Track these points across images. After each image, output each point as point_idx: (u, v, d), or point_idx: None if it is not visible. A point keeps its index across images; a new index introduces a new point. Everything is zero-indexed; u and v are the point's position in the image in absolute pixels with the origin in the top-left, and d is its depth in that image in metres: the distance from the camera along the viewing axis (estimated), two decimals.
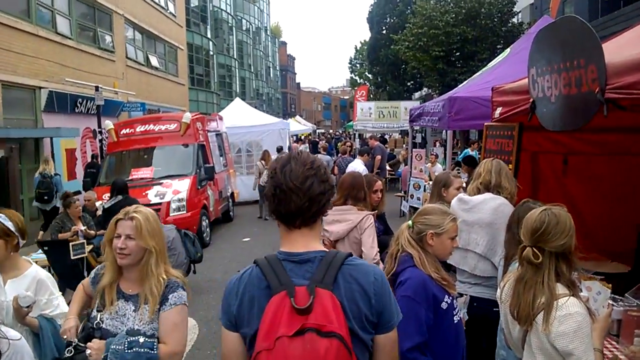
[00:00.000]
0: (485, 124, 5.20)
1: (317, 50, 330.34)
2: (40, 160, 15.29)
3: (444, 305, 2.56)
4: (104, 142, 13.32)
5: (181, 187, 10.60)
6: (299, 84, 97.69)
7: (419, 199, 9.32)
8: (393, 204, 13.68)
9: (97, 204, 8.64)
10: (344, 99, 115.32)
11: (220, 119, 15.07)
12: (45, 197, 11.16)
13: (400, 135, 30.84)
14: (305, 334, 1.57)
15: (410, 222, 2.81)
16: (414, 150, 9.63)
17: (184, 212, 10.37)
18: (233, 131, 16.26)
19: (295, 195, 1.74)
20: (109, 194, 7.51)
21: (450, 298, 2.62)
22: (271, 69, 67.79)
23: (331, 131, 66.34)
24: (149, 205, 10.09)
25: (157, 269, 2.67)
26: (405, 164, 19.38)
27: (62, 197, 8.08)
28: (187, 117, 11.54)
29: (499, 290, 2.64)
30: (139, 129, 11.67)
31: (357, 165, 9.57)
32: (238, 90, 43.56)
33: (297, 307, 1.60)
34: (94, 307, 2.65)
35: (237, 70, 45.10)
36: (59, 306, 3.13)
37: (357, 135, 33.09)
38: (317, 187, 1.75)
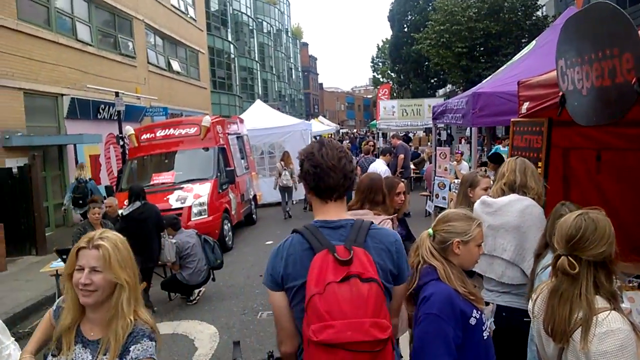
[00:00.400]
0: (512, 119, 4.94)
1: (339, 50, 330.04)
2: (64, 167, 15.47)
3: (472, 321, 2.33)
4: (125, 147, 13.31)
5: (202, 191, 10.51)
6: (321, 84, 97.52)
7: (444, 198, 9.06)
8: (418, 204, 13.41)
9: (120, 211, 8.56)
10: (367, 98, 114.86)
11: (241, 121, 14.97)
12: (80, 202, 11.37)
13: (424, 133, 30.41)
14: (350, 279, 1.92)
15: (430, 230, 2.59)
16: (438, 148, 9.36)
17: (206, 216, 10.27)
18: (254, 133, 16.17)
19: (333, 172, 2.11)
20: (127, 201, 7.43)
21: (479, 313, 2.39)
22: (293, 70, 67.78)
23: (355, 131, 66.07)
24: (170, 210, 10.10)
25: (128, 307, 2.13)
26: (430, 162, 19.15)
27: (88, 202, 8.03)
28: (207, 120, 11.46)
29: (530, 303, 2.41)
30: (160, 133, 11.64)
31: (379, 166, 9.36)
32: (260, 93, 43.61)
33: (340, 259, 1.96)
34: (50, 351, 2.20)
35: (258, 72, 45.15)
36: (10, 356, 2.86)
37: (380, 135, 32.88)
38: (349, 166, 2.16)
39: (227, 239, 10.91)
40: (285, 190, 14.53)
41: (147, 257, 7.18)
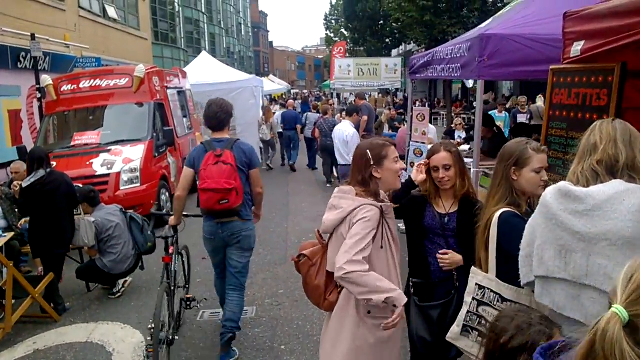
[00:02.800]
0: (552, 67, 3.57)
1: (290, 7, 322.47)
2: None
3: None
4: (43, 101, 11.35)
5: (134, 155, 8.81)
6: (271, 42, 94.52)
7: None
8: None
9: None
10: (319, 58, 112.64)
11: (184, 74, 13.14)
12: None
13: (380, 94, 29.07)
14: (218, 163, 4.19)
15: (624, 314, 1.14)
16: (415, 108, 7.99)
17: (138, 184, 8.62)
18: (199, 89, 14.33)
19: (212, 117, 4.44)
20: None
21: None
22: (242, 25, 64.79)
23: (305, 91, 64.13)
24: (94, 177, 8.37)
25: None
26: (390, 127, 17.80)
27: None
28: (141, 70, 9.65)
29: None
30: (84, 84, 9.75)
31: (346, 128, 7.99)
32: (208, 48, 41.00)
33: (215, 154, 4.22)
34: None
35: (206, 25, 42.42)
36: None
37: (334, 95, 31.33)
38: (219, 112, 4.41)
39: (164, 211, 9.30)
40: (266, 144, 15.35)
41: (56, 240, 5.56)
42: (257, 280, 6.31)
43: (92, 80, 9.77)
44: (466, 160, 6.30)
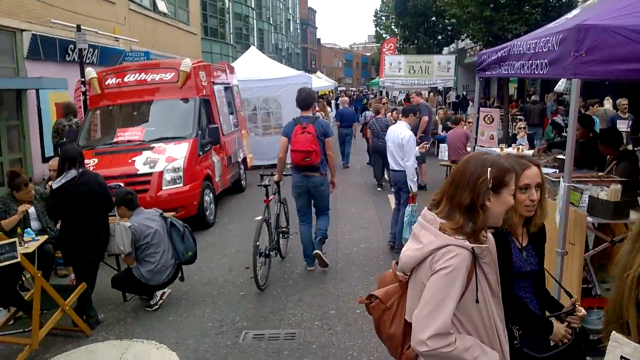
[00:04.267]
0: None
1: (339, 3, 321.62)
2: (23, 116, 13.21)
3: None
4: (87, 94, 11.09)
5: (177, 153, 8.36)
6: (319, 39, 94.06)
7: None
8: (436, 175, 11.41)
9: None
10: (366, 55, 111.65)
11: (232, 70, 12.66)
12: None
13: (431, 93, 28.03)
14: (304, 133, 6.03)
15: None
16: (482, 109, 7.23)
17: (181, 185, 8.16)
18: (247, 85, 13.89)
19: (302, 100, 6.39)
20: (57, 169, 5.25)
21: None
22: (291, 22, 64.51)
23: (353, 89, 63.35)
24: (136, 175, 7.95)
25: None
26: (444, 127, 16.93)
27: (9, 176, 5.91)
28: (187, 64, 9.20)
29: None
30: (129, 78, 9.37)
31: (401, 129, 7.13)
32: (256, 44, 40.77)
33: (302, 127, 6.08)
34: None
35: (255, 21, 42.22)
36: None
37: (383, 93, 30.48)
38: (307, 97, 6.42)
39: (208, 212, 8.83)
40: None
41: (89, 247, 5.11)
42: (304, 297, 5.71)
43: (138, 74, 9.38)
44: (549, 171, 5.54)
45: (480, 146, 7.10)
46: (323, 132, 6.17)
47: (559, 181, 4.79)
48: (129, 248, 5.31)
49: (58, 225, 5.85)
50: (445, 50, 40.92)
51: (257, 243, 5.79)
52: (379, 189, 11.36)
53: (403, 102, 26.04)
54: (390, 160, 6.95)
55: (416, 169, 7.03)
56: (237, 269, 6.71)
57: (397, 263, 2.40)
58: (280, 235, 6.87)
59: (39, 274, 4.58)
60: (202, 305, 5.62)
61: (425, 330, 1.99)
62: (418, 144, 11.01)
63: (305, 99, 6.39)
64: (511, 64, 5.63)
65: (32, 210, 5.90)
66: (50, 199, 5.24)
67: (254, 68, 15.41)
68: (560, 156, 6.20)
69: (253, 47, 19.18)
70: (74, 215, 5.03)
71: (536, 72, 4.90)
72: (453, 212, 2.17)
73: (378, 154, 11.33)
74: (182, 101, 9.21)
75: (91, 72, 9.42)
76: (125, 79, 9.38)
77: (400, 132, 6.71)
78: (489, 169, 2.13)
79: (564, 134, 16.93)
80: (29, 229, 5.66)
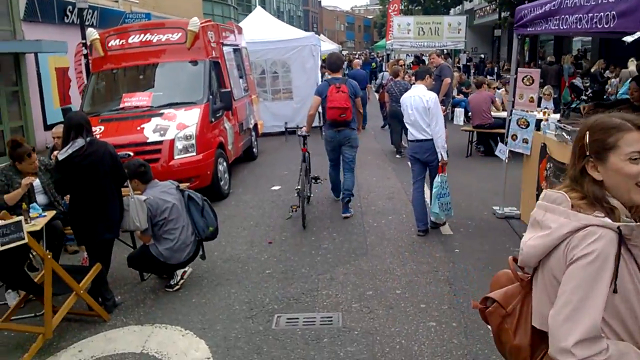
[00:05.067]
0: None
1: None
2: (22, 82, 12.60)
3: None
4: (90, 57, 10.49)
5: (189, 120, 7.83)
6: (320, 1, 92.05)
7: (525, 141, 6.46)
8: (458, 141, 10.90)
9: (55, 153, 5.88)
10: (368, 18, 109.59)
11: (240, 30, 11.99)
12: None
13: (442, 56, 27.12)
14: (339, 92, 6.65)
15: None
16: (520, 70, 6.63)
17: (194, 153, 7.66)
18: (254, 47, 13.20)
19: (334, 63, 7.07)
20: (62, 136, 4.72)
21: None
22: None
23: (355, 52, 62.08)
24: (145, 144, 7.44)
25: None
26: (459, 91, 16.29)
27: (10, 145, 5.42)
28: (195, 23, 8.57)
29: None
30: (133, 39, 8.75)
31: (424, 92, 6.26)
32: (258, 4, 39.62)
33: (336, 86, 6.70)
34: None
35: None
36: None
37: (389, 56, 29.58)
38: (338, 60, 7.14)
39: (222, 183, 8.34)
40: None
41: (102, 224, 4.63)
42: (336, 275, 5.26)
43: (142, 35, 8.75)
44: None
45: (518, 110, 6.55)
46: (354, 91, 6.92)
47: None
48: (145, 224, 4.83)
49: (67, 199, 5.39)
50: (452, 12, 39.80)
51: (298, 187, 6.85)
52: (397, 155, 10.84)
53: (412, 65, 25.26)
54: (412, 129, 6.17)
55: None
56: (259, 244, 6.26)
57: (514, 259, 1.92)
58: (312, 182, 7.74)
59: (49, 256, 4.13)
60: (226, 285, 5.18)
61: (568, 335, 1.54)
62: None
63: (336, 62, 7.13)
64: (563, 18, 5.07)
65: (37, 182, 5.42)
66: (56, 171, 4.74)
67: (261, 29, 14.68)
68: None
69: (259, 7, 18.38)
70: (84, 188, 4.54)
71: (598, 26, 4.35)
72: (573, 185, 1.74)
73: (397, 120, 10.76)
74: (190, 63, 8.62)
75: (93, 33, 8.80)
76: (130, 40, 8.76)
77: (423, 95, 6.04)
78: (588, 130, 1.73)
79: (583, 97, 16.38)
80: (34, 203, 5.20)
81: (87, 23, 13.98)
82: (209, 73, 8.55)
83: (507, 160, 6.83)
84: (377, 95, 15.79)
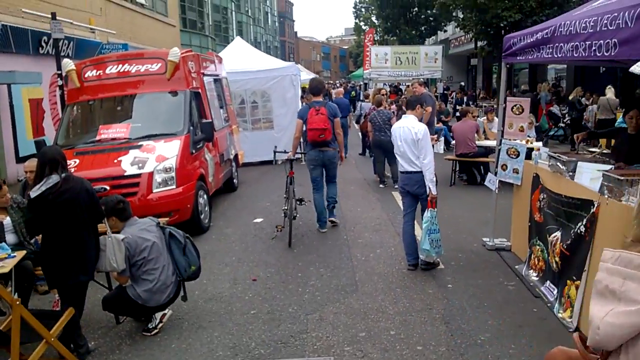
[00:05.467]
0: None
1: None
2: None
3: None
4: (65, 88, 10.20)
5: (169, 152, 7.57)
6: (295, 32, 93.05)
7: (516, 172, 6.34)
8: (443, 170, 10.79)
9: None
10: (344, 48, 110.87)
11: (220, 60, 11.85)
12: None
13: (380, 87, 27.26)
14: (318, 114, 7.21)
15: None
16: (509, 99, 6.55)
17: (173, 186, 7.38)
18: (234, 77, 13.05)
19: (315, 88, 7.85)
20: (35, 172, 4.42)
21: None
22: (269, 15, 63.44)
23: (333, 81, 62.57)
24: (123, 177, 7.17)
25: None
26: (438, 120, 16.29)
27: None
28: (175, 53, 8.38)
29: None
30: (110, 70, 8.51)
31: (414, 124, 6.06)
32: (235, 35, 39.76)
33: (316, 109, 7.26)
34: None
35: (233, 13, 41.16)
36: None
37: (367, 85, 29.73)
38: (320, 85, 7.92)
39: (202, 216, 8.06)
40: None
41: (76, 266, 4.32)
42: (326, 315, 4.99)
43: (121, 65, 8.51)
44: (604, 167, 4.91)
45: (508, 140, 6.44)
46: (333, 113, 7.41)
47: (625, 179, 4.17)
48: (123, 264, 4.53)
49: (38, 238, 5.06)
50: (427, 41, 40.39)
51: (285, 207, 7.49)
52: (381, 185, 10.69)
53: (390, 94, 25.37)
54: (401, 161, 6.00)
55: None
56: (243, 281, 5.97)
57: (580, 337, 1.66)
58: (298, 204, 7.77)
59: (17, 302, 3.80)
60: (208, 327, 4.87)
61: None
62: None
63: (317, 86, 7.79)
64: (557, 47, 4.98)
65: (7, 220, 5.10)
66: (28, 210, 4.42)
67: (240, 59, 14.56)
68: (607, 150, 5.60)
69: (239, 37, 18.28)
70: (58, 228, 4.23)
71: (598, 54, 4.25)
72: None
73: (380, 149, 10.67)
74: (170, 94, 8.39)
75: (69, 63, 8.53)
76: (107, 71, 8.51)
77: (412, 127, 5.88)
78: None
79: (561, 124, 16.55)
80: (3, 243, 4.86)
81: (62, 54, 13.70)
82: (190, 103, 8.33)
83: (497, 191, 6.68)
84: (356, 126, 15.85)
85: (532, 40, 5.51)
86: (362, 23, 55.64)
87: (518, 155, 6.34)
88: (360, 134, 16.80)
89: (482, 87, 32.78)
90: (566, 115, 15.87)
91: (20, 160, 12.59)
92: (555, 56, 5.01)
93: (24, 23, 13.00)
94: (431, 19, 36.17)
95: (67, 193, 4.23)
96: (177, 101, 8.32)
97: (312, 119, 7.25)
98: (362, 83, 33.51)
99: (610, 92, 13.92)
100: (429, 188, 5.77)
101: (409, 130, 5.83)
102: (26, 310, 4.04)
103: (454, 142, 11.10)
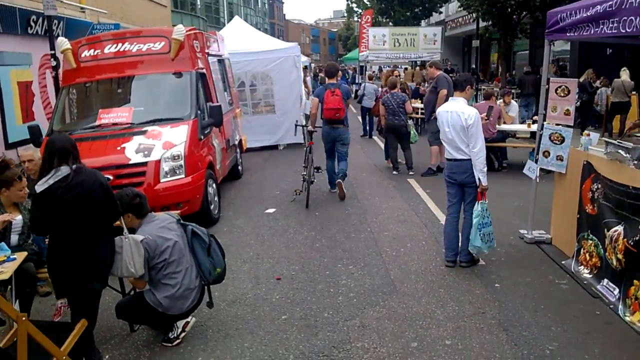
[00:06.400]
0: None
1: None
2: None
3: None
4: (59, 69, 9.50)
5: (176, 138, 6.96)
6: (284, 15, 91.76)
7: (560, 158, 5.83)
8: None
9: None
10: (333, 31, 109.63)
11: (222, 39, 11.17)
12: None
13: (418, 68, 26.66)
14: (333, 95, 7.98)
15: None
16: (552, 80, 6.02)
17: (182, 175, 6.78)
18: (234, 59, 12.29)
19: (329, 71, 8.79)
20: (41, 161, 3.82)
21: None
22: None
23: (324, 64, 61.72)
24: (127, 166, 6.57)
25: None
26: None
27: None
28: (180, 31, 7.72)
29: None
30: (109, 49, 7.82)
31: (464, 107, 5.22)
32: (226, 18, 38.79)
33: (332, 91, 8.00)
34: None
35: None
36: None
37: (364, 68, 29.00)
38: (334, 69, 8.77)
39: (212, 207, 7.49)
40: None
41: (90, 272, 3.74)
42: (367, 320, 4.47)
43: (120, 44, 7.83)
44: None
45: (551, 125, 5.91)
46: (345, 94, 8.27)
47: None
48: (142, 269, 3.96)
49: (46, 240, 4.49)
50: (422, 23, 39.71)
51: (304, 173, 8.39)
52: (394, 172, 10.16)
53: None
54: (448, 148, 5.46)
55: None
56: (266, 280, 5.43)
57: None
58: (315, 172, 8.66)
59: (23, 317, 3.24)
60: (236, 336, 4.33)
61: None
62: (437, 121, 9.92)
63: (331, 70, 8.62)
64: (624, 21, 4.42)
65: (18, 218, 4.51)
66: (32, 206, 3.82)
67: (240, 40, 13.84)
68: None
69: (237, 17, 17.47)
70: (68, 227, 3.64)
71: None
72: None
73: (393, 134, 10.13)
74: (174, 75, 7.74)
75: (64, 42, 7.83)
76: (106, 50, 7.83)
77: (463, 112, 5.29)
78: None
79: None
80: (2, 243, 4.28)
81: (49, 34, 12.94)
82: (196, 86, 7.70)
83: (537, 180, 6.17)
84: (356, 106, 15.63)
85: (588, 14, 4.95)
86: (354, 5, 54.74)
87: (563, 141, 5.82)
88: (359, 117, 16.34)
89: (479, 70, 32.19)
90: (577, 98, 15.40)
91: (9, 146, 11.87)
92: (623, 30, 4.46)
93: (12, 1, 12.17)
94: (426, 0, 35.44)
95: (79, 187, 3.64)
96: (182, 83, 7.68)
97: (327, 99, 8.07)
98: (359, 65, 32.75)
99: (625, 74, 13.43)
100: (479, 179, 5.24)
101: (457, 116, 5.26)
102: (32, 325, 3.47)
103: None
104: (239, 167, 10.47)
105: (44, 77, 13.61)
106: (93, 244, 3.72)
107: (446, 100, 9.76)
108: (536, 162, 6.13)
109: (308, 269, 5.65)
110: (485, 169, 5.27)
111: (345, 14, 65.44)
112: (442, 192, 8.41)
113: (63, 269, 3.70)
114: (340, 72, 17.82)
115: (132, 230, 4.16)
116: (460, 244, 5.54)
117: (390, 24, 38.17)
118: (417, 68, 25.86)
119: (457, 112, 5.34)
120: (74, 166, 3.67)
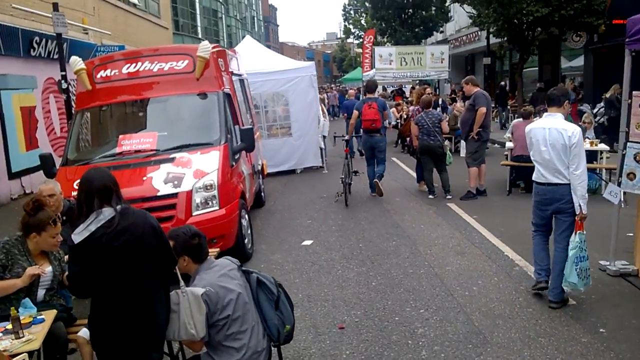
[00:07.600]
0: None
1: (295, 1, 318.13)
2: None
3: None
4: (71, 91, 8.81)
5: (207, 166, 6.24)
6: (278, 37, 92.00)
7: None
8: (497, 175, 9.67)
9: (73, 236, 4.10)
10: (327, 53, 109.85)
11: (240, 57, 10.51)
12: None
13: (425, 86, 26.09)
14: (371, 107, 9.24)
15: None
16: (635, 93, 5.37)
17: (216, 207, 6.06)
18: (250, 79, 11.73)
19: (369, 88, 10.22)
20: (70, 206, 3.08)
21: None
22: (255, 19, 62.27)
23: (329, 84, 61.37)
24: (156, 198, 5.82)
25: None
26: (455, 122, 15.08)
27: (29, 207, 3.78)
28: (206, 48, 7.03)
29: None
30: (127, 69, 7.13)
31: (563, 124, 4.71)
32: (225, 40, 38.42)
33: (369, 104, 9.27)
34: None
35: (223, 16, 39.76)
36: None
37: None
38: (374, 85, 10.31)
39: (246, 240, 6.74)
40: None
41: (144, 339, 2.99)
42: None
43: (140, 64, 7.12)
44: None
45: (634, 141, 5.26)
46: (382, 107, 9.36)
47: None
48: (203, 331, 3.19)
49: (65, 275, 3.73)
50: (423, 43, 39.43)
51: (342, 176, 9.31)
52: (430, 196, 9.43)
53: (395, 97, 24.20)
54: (542, 170, 4.77)
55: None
56: (327, 329, 4.68)
57: None
58: (353, 174, 9.92)
59: None
60: None
61: None
62: (476, 141, 9.26)
63: (371, 86, 9.99)
64: None
65: (49, 270, 3.75)
66: (70, 261, 3.07)
67: (253, 60, 13.18)
68: None
69: (249, 36, 16.90)
70: (117, 284, 2.91)
71: None
72: None
73: (428, 155, 9.44)
74: (200, 96, 7.05)
75: (78, 62, 7.12)
76: (124, 70, 7.12)
77: (565, 128, 4.57)
78: None
79: (595, 124, 15.50)
80: (27, 299, 3.53)
81: (55, 57, 12.29)
82: (224, 107, 7.01)
83: (622, 205, 5.48)
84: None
85: None
86: (351, 26, 54.61)
87: None
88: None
89: (484, 87, 31.72)
90: (598, 114, 14.82)
91: (13, 176, 11.14)
92: None
93: (13, 21, 11.53)
94: (430, 21, 35.10)
95: (127, 233, 2.91)
96: (209, 104, 6.99)
97: (365, 111, 9.28)
98: (359, 86, 32.26)
99: None
100: (579, 206, 4.54)
101: (559, 134, 4.57)
102: None
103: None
104: (262, 194, 9.75)
105: (47, 101, 12.96)
106: (148, 302, 2.98)
107: (485, 118, 9.22)
108: (619, 185, 5.44)
109: (372, 314, 4.90)
110: (587, 195, 4.58)
111: (343, 35, 65.36)
112: (491, 218, 7.86)
113: (112, 337, 2.94)
114: (352, 91, 17.51)
115: (186, 277, 3.40)
116: (550, 281, 4.82)
117: (388, 45, 37.80)
118: (425, 86, 25.30)
119: (558, 129, 4.65)
120: (118, 207, 2.94)
